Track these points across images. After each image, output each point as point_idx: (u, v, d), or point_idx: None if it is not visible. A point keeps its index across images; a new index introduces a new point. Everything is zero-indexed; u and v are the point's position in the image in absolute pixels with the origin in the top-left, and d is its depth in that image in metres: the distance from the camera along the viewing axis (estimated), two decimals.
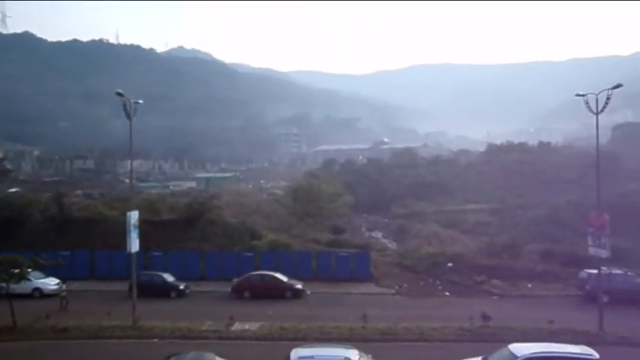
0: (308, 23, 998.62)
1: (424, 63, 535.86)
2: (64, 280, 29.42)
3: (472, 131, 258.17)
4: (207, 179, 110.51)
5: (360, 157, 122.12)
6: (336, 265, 36.11)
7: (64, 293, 28.40)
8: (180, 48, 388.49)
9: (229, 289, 32.04)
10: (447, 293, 32.53)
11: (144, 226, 27.75)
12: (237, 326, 23.75)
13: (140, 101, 24.77)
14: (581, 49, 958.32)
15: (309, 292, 31.97)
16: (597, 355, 14.42)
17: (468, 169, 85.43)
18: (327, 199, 54.99)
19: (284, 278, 32.15)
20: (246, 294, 31.40)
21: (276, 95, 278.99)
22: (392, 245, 50.64)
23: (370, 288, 33.92)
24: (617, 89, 22.69)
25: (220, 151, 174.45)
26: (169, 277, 32.97)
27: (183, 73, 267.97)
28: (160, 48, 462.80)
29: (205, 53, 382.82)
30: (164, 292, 31.75)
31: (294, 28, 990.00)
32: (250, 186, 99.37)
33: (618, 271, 29.65)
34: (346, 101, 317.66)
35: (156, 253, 36.45)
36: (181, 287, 32.30)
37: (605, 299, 24.66)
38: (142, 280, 29.32)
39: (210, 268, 36.41)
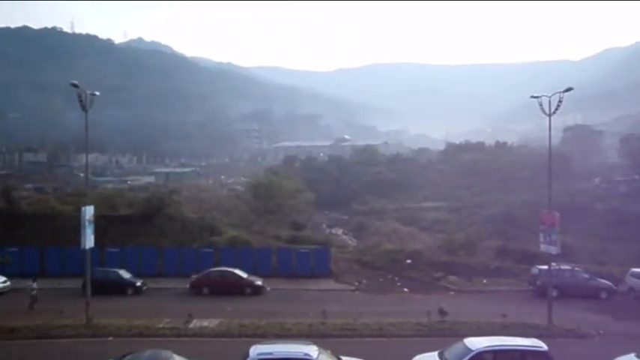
0: (270, 19, 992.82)
1: (385, 62, 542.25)
2: (34, 277, 28.30)
3: (432, 130, 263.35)
4: (167, 174, 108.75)
5: (321, 154, 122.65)
6: (297, 261, 36.11)
7: (34, 292, 27.27)
8: (140, 40, 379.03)
9: (188, 286, 31.60)
10: (406, 289, 33.04)
11: (100, 222, 27.00)
12: (195, 323, 23.45)
13: (97, 93, 23.97)
14: (536, 53, 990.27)
15: (268, 289, 31.89)
16: (546, 347, 15.02)
17: (428, 168, 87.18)
18: (287, 195, 54.95)
19: (244, 274, 31.95)
20: (205, 290, 31.02)
21: (237, 90, 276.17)
22: (352, 242, 51.19)
23: (330, 284, 34.10)
24: (568, 93, 23.54)
25: (180, 146, 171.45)
26: (126, 274, 32.18)
27: (143, 66, 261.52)
28: (119, 39, 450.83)
29: (166, 46, 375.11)
30: (120, 289, 30.97)
31: (256, 23, 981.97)
32: (210, 181, 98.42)
33: (566, 267, 30.83)
34: (307, 98, 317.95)
35: (112, 250, 35.51)
36: (138, 284, 31.60)
37: (555, 294, 25.64)
38: (96, 277, 28.45)
39: (169, 265, 35.79)
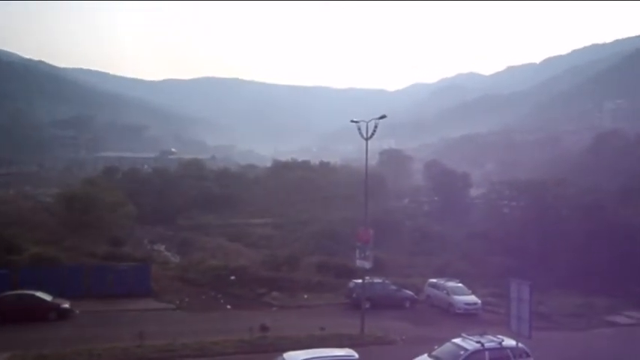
0: (92, 17, 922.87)
1: (215, 76, 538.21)
2: None
3: (260, 147, 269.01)
4: None
5: (146, 167, 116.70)
6: (113, 280, 33.36)
7: None
8: None
9: None
10: (229, 306, 32.71)
11: None
12: None
13: None
14: (357, 81, 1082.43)
15: (77, 312, 28.83)
16: (357, 355, 16.41)
17: (255, 184, 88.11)
18: (106, 208, 50.81)
19: (47, 297, 28.42)
20: None
21: (50, 92, 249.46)
22: (175, 258, 49.30)
23: (149, 303, 32.18)
24: (383, 119, 25.97)
25: None
26: None
27: None
28: None
29: None
30: None
31: (77, 19, 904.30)
32: (11, 192, 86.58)
33: (378, 280, 33.53)
34: (133, 107, 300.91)
35: None
36: None
37: (367, 305, 27.74)
38: None
39: None
